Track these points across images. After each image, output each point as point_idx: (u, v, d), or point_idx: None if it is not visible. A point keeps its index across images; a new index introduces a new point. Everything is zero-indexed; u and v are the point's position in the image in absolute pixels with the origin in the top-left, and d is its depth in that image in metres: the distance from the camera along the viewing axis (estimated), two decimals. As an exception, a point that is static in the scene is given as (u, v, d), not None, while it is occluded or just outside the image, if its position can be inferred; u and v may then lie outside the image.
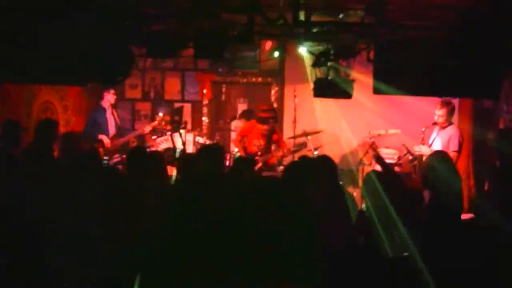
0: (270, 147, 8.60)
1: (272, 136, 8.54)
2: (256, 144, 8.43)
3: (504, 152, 6.50)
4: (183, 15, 6.03)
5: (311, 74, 7.74)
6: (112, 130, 8.50)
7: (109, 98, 8.52)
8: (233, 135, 9.91)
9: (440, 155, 4.70)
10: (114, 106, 8.81)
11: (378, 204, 4.26)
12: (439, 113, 7.30)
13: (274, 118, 8.44)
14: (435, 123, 7.39)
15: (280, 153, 8.41)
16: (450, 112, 7.32)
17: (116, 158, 8.19)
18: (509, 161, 6.11)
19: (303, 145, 8.58)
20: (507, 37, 5.78)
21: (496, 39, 5.86)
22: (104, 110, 8.54)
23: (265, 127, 8.36)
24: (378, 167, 8.25)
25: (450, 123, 7.35)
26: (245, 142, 8.63)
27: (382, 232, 4.11)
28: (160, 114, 9.03)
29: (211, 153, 5.95)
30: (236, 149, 8.96)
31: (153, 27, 6.28)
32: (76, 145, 6.83)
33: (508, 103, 7.39)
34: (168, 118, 8.73)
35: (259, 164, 8.24)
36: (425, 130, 7.48)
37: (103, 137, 8.22)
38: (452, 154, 6.91)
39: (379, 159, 6.39)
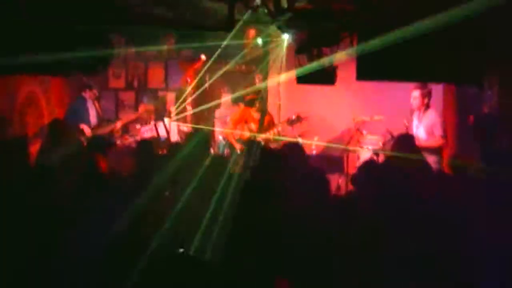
0: (263, 130, 8.57)
1: (264, 118, 8.55)
2: (249, 128, 8.44)
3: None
4: (164, 3, 5.98)
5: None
6: (93, 120, 8.40)
7: (89, 95, 8.44)
8: (217, 123, 9.89)
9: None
10: (96, 98, 8.70)
11: None
12: (413, 95, 7.30)
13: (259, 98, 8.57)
14: (412, 109, 7.37)
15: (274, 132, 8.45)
16: (425, 95, 7.28)
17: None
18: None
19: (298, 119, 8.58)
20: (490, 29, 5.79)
21: (480, 29, 5.87)
22: (84, 100, 8.43)
23: (254, 109, 8.44)
24: (363, 155, 8.28)
25: (428, 107, 7.33)
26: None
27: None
28: (143, 103, 8.96)
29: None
30: (221, 137, 8.95)
31: (134, 16, 6.21)
32: (62, 133, 6.81)
33: (491, 89, 7.41)
34: (151, 107, 8.67)
35: None
36: (407, 120, 7.45)
37: (84, 126, 8.13)
38: (440, 141, 7.02)
39: None
